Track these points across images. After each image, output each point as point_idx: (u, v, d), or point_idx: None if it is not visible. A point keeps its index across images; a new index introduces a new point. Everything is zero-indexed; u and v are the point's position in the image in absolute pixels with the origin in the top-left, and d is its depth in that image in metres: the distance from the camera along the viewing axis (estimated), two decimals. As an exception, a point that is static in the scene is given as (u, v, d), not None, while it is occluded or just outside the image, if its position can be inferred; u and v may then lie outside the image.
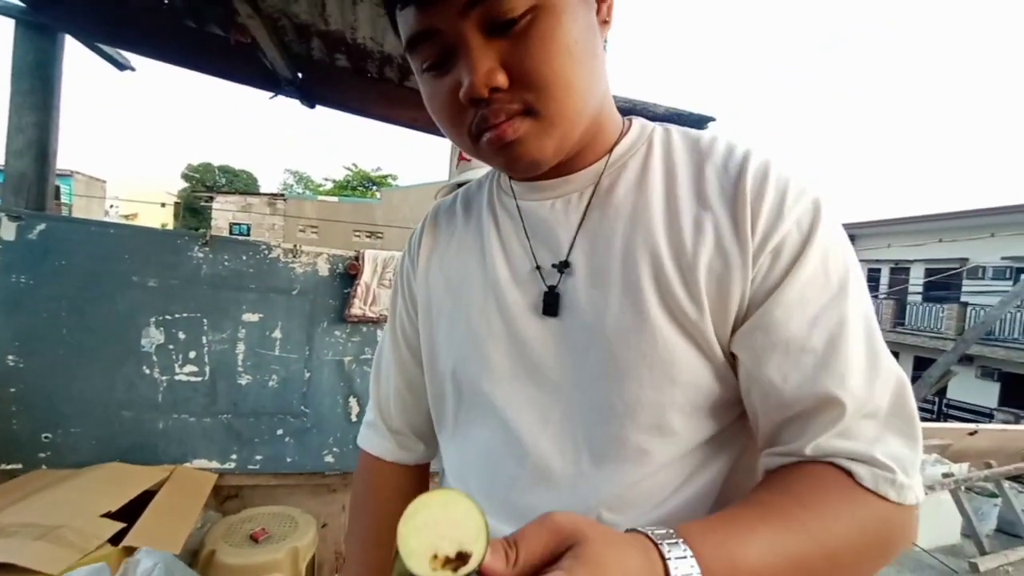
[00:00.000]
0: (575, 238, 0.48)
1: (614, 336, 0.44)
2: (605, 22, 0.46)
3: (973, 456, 4.29)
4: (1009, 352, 11.52)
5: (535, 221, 0.51)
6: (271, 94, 2.21)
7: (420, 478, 0.67)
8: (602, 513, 0.45)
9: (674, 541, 0.29)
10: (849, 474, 0.38)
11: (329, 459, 1.95)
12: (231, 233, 16.71)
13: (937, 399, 10.73)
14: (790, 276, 0.41)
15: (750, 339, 0.42)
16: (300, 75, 2.17)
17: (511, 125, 0.41)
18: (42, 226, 1.63)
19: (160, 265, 1.75)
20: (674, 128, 0.51)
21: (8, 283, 1.59)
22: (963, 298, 13.48)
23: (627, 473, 0.45)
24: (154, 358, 1.75)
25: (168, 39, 2.01)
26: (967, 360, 11.72)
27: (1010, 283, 11.56)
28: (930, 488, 3.62)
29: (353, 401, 1.98)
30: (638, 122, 0.52)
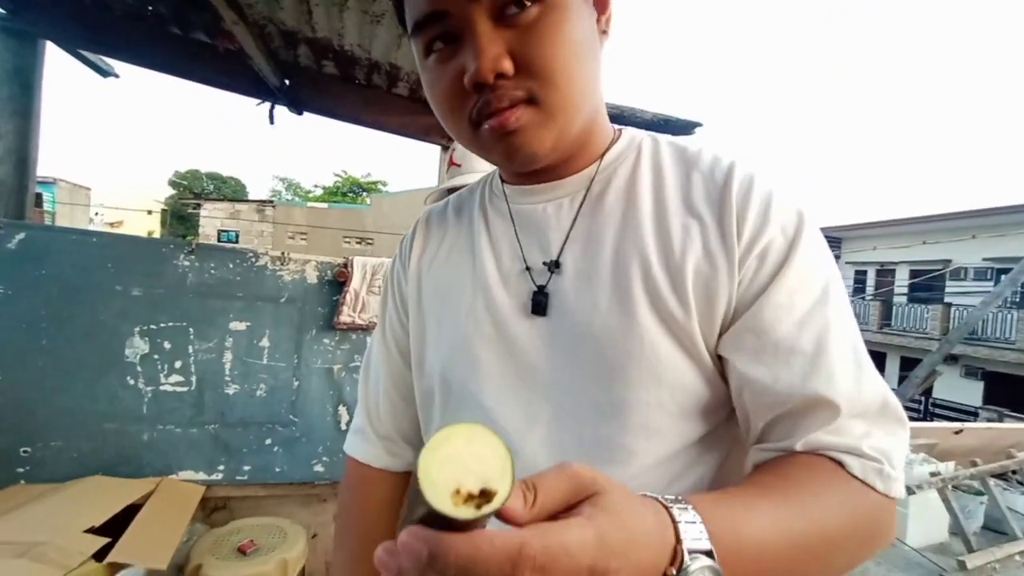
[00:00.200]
0: (566, 240, 0.49)
1: (602, 336, 0.45)
2: (604, 32, 0.47)
3: (959, 455, 4.35)
4: (992, 351, 11.74)
5: (527, 223, 0.52)
6: (258, 101, 2.19)
7: (408, 485, 0.66)
8: None
9: (684, 507, 0.29)
10: (839, 464, 0.39)
11: (319, 468, 1.93)
12: (219, 240, 16.55)
13: (924, 398, 10.88)
14: (776, 280, 0.42)
15: (740, 341, 0.43)
16: (287, 82, 2.16)
17: (513, 113, 0.42)
18: (21, 235, 1.60)
19: (144, 274, 1.73)
20: (661, 138, 0.52)
21: (-14, 293, 1.56)
22: (947, 299, 13.73)
23: (614, 474, 0.44)
24: (138, 368, 1.72)
25: (153, 46, 2.00)
26: (952, 360, 11.92)
27: (991, 283, 11.80)
28: (918, 487, 3.67)
29: (343, 409, 1.96)
30: (627, 131, 0.53)
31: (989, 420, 8.32)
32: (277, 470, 1.88)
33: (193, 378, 1.79)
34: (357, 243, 15.72)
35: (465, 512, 0.21)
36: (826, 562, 0.36)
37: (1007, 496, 4.33)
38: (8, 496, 1.47)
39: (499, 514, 0.23)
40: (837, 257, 16.83)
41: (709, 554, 0.27)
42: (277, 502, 1.92)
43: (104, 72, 2.29)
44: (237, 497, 1.88)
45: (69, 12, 1.88)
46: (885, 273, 16.07)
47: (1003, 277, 6.62)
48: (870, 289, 16.12)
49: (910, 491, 3.68)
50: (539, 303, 0.48)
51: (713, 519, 0.30)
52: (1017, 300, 12.05)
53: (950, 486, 3.80)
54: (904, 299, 14.81)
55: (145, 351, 1.73)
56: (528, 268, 0.50)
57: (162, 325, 1.75)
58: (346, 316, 1.92)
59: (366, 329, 1.96)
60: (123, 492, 1.52)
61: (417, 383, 0.59)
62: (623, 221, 0.48)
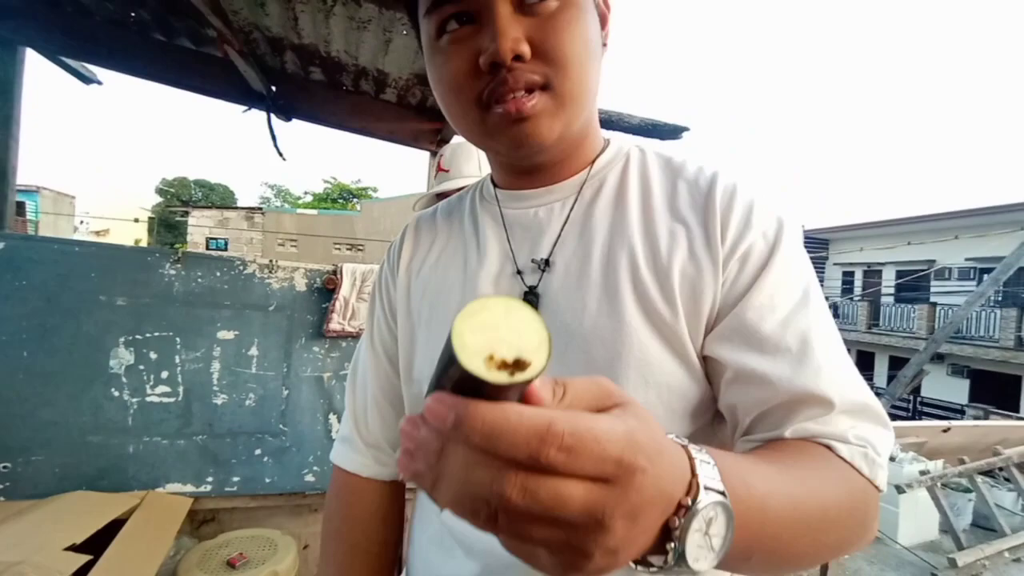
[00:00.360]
0: (556, 241, 0.51)
1: (591, 336, 0.46)
2: (604, 44, 0.49)
3: (947, 453, 4.40)
4: (977, 350, 11.94)
5: (518, 227, 0.53)
6: (244, 108, 2.17)
7: (397, 495, 0.66)
8: None
9: (698, 448, 0.29)
10: (828, 449, 0.40)
11: (309, 478, 1.90)
12: (208, 248, 16.40)
13: (912, 397, 11.02)
14: (759, 282, 0.44)
15: (727, 340, 0.44)
16: (274, 88, 2.14)
17: (529, 100, 0.43)
18: (0, 245, 1.57)
19: (129, 283, 1.70)
20: (648, 148, 0.55)
21: (-36, 306, 1.52)
22: (932, 298, 13.96)
23: None
24: (123, 379, 1.69)
25: (135, 52, 1.97)
26: (938, 358, 12.11)
27: (974, 283, 12.02)
28: (908, 486, 3.70)
29: (333, 418, 1.94)
30: (615, 141, 0.55)
31: (975, 417, 8.44)
32: (267, 480, 1.85)
33: (180, 388, 1.76)
34: (348, 250, 15.65)
35: (498, 377, 0.20)
36: (816, 537, 0.37)
37: (994, 493, 4.38)
38: (-13, 513, 1.43)
39: (526, 399, 0.22)
40: (825, 258, 17.12)
41: (722, 495, 0.27)
42: (267, 513, 1.89)
43: (87, 79, 2.26)
44: (226, 509, 1.85)
45: (49, 18, 1.85)
46: (872, 274, 16.30)
47: (986, 277, 6.75)
48: (858, 290, 16.34)
49: (900, 490, 3.71)
50: (530, 303, 0.49)
51: (724, 465, 0.30)
52: (1000, 299, 12.29)
53: (939, 484, 3.84)
54: (891, 299, 15.03)
55: (130, 362, 1.70)
56: (519, 272, 0.51)
57: (148, 335, 1.72)
58: (336, 324, 1.90)
59: (356, 336, 1.94)
60: (106, 507, 1.48)
61: (406, 389, 0.59)
62: (612, 225, 0.49)
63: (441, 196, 1.41)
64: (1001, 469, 4.17)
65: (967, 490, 4.26)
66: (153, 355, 1.72)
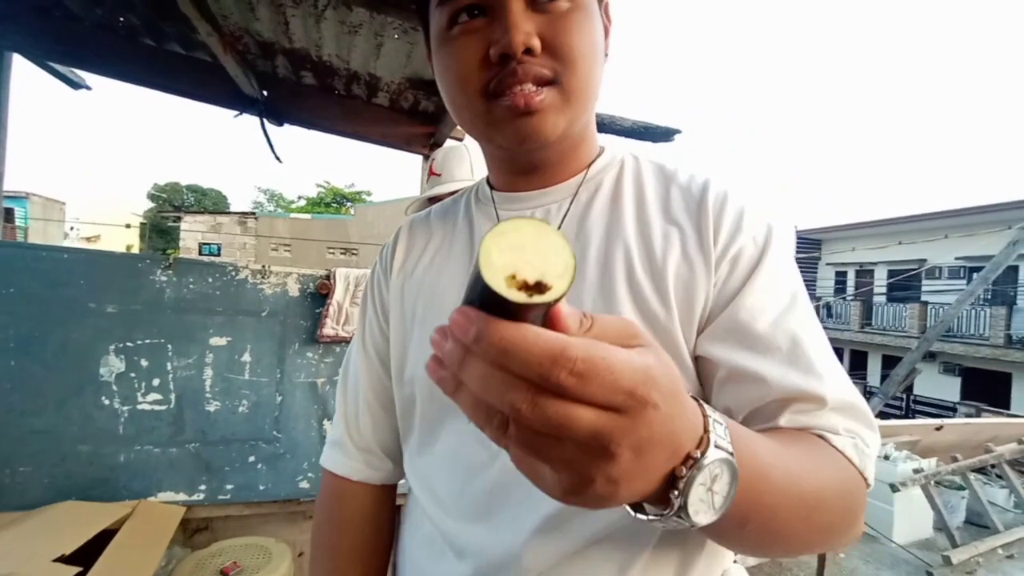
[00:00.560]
0: None
1: None
2: (605, 54, 0.50)
3: (940, 451, 4.44)
4: (968, 348, 12.05)
5: None
6: (236, 112, 2.16)
7: (388, 500, 0.65)
8: (570, 509, 0.45)
9: (712, 408, 0.29)
10: (821, 438, 0.41)
11: (304, 485, 1.89)
12: (201, 253, 16.28)
13: (905, 395, 11.11)
14: (749, 284, 0.45)
15: (720, 340, 0.45)
16: (265, 93, 2.14)
17: (538, 94, 0.44)
18: (-12, 252, 1.55)
19: (120, 290, 1.68)
20: (641, 156, 0.56)
21: (-50, 314, 1.50)
22: (923, 297, 14.08)
23: None
24: (114, 388, 1.67)
25: (125, 57, 1.96)
26: (930, 357, 12.21)
27: (964, 282, 12.14)
28: (902, 484, 3.73)
29: (327, 424, 1.92)
30: (610, 148, 0.57)
31: (967, 415, 8.51)
32: (261, 488, 1.84)
33: (172, 396, 1.74)
34: (341, 254, 15.60)
35: (517, 296, 0.21)
36: (811, 516, 0.37)
37: (987, 490, 4.42)
38: (-26, 526, 1.40)
39: (552, 325, 0.23)
40: (818, 259, 17.25)
41: (730, 454, 0.28)
42: (262, 520, 1.87)
43: (75, 84, 2.25)
44: (220, 517, 1.83)
45: (37, 24, 1.84)
46: (864, 273, 16.43)
47: (975, 275, 6.82)
48: (850, 289, 16.45)
49: (895, 488, 3.74)
50: None
51: (735, 430, 0.30)
52: (989, 297, 12.42)
53: (933, 482, 3.87)
54: (883, 299, 15.15)
55: (121, 369, 1.68)
56: None
57: (139, 342, 1.70)
58: (329, 329, 1.89)
59: (350, 341, 1.93)
60: (97, 517, 1.46)
61: (397, 391, 0.59)
62: (608, 227, 0.50)
63: (433, 200, 1.41)
64: (993, 466, 4.21)
65: (960, 488, 4.30)
66: (144, 362, 1.70)
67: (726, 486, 0.28)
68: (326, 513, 0.63)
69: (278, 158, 2.29)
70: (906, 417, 10.50)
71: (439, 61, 0.48)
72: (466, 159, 1.51)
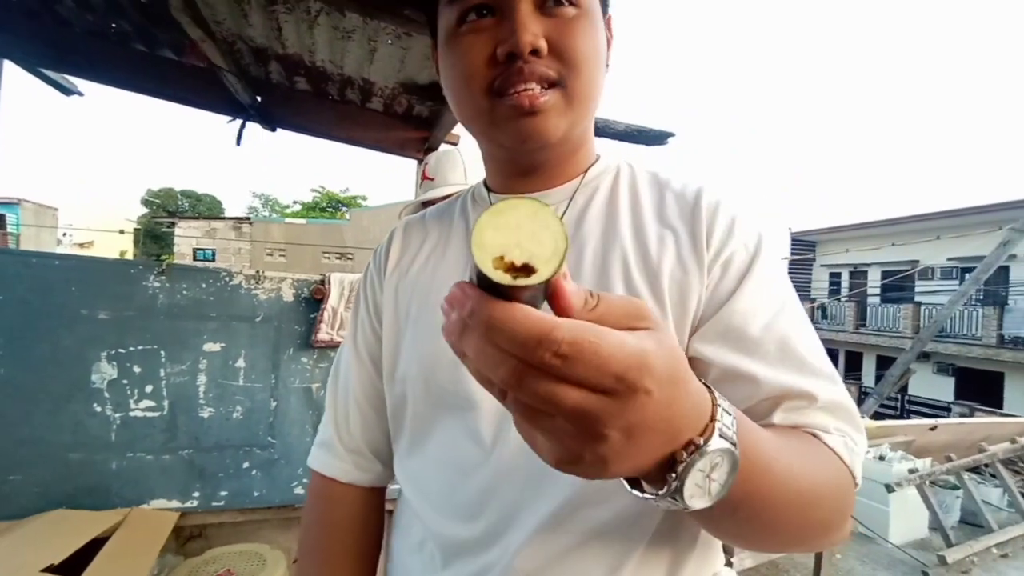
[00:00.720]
0: None
1: None
2: (607, 64, 0.51)
3: (935, 451, 4.46)
4: (961, 348, 12.14)
5: None
6: (229, 118, 2.16)
7: (377, 502, 0.65)
8: (564, 507, 0.46)
9: (722, 397, 0.29)
10: (813, 436, 0.42)
11: (299, 491, 1.88)
12: (195, 259, 16.22)
13: (899, 395, 11.17)
14: (741, 287, 0.46)
15: (713, 342, 0.45)
16: (259, 98, 2.13)
17: (542, 95, 0.44)
18: (-21, 259, 1.54)
19: (112, 296, 1.67)
20: (636, 164, 0.58)
21: (-60, 322, 1.49)
22: (917, 298, 14.18)
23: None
24: (106, 394, 1.66)
25: (117, 63, 1.95)
26: (924, 357, 12.28)
27: (956, 282, 12.24)
28: (898, 484, 3.74)
29: (322, 429, 1.92)
30: (606, 155, 0.58)
31: (961, 415, 8.57)
32: (256, 494, 1.83)
33: (165, 402, 1.73)
34: (337, 258, 15.57)
35: (501, 277, 0.21)
36: (804, 510, 0.38)
37: (981, 489, 4.44)
38: (-37, 536, 1.39)
39: (556, 306, 0.23)
40: (812, 260, 17.34)
41: (733, 444, 0.28)
42: (256, 527, 1.86)
43: (67, 90, 2.24)
44: (214, 524, 1.82)
45: (28, 30, 1.83)
46: (858, 275, 16.54)
47: (967, 276, 6.87)
48: (844, 291, 16.55)
49: (890, 489, 3.75)
50: None
51: (742, 420, 0.30)
52: (981, 298, 12.53)
53: (928, 482, 3.89)
54: (877, 300, 15.25)
55: (113, 376, 1.66)
56: None
57: (131, 349, 1.69)
58: (324, 334, 1.89)
59: (344, 346, 1.93)
60: (87, 525, 1.45)
61: (388, 390, 0.58)
62: (604, 231, 0.51)
63: (427, 204, 1.41)
64: (987, 465, 4.23)
65: (955, 487, 4.32)
66: (137, 369, 1.69)
67: (724, 475, 0.28)
68: (314, 515, 0.62)
69: (239, 143, 2.25)
70: (901, 417, 10.55)
71: (446, 58, 0.49)
72: (459, 163, 1.51)
